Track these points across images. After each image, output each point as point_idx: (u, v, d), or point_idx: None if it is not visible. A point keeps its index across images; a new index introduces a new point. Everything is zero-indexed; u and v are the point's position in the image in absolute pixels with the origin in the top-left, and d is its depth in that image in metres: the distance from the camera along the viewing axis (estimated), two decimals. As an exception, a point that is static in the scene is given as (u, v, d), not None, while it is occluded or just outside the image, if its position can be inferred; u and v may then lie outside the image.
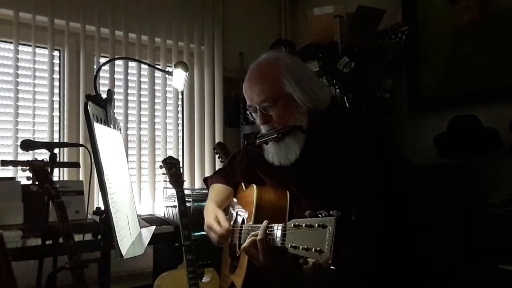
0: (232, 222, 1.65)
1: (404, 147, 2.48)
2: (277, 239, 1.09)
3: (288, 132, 1.33)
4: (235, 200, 1.72)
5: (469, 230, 1.93)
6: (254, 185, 1.51)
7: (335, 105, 1.46)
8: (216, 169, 3.00)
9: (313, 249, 0.91)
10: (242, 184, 1.69)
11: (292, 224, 1.01)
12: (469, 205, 1.98)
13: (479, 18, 2.36)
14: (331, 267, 0.88)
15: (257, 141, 1.43)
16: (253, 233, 1.21)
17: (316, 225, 0.92)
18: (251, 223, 1.44)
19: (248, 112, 1.45)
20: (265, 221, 1.17)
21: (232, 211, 1.72)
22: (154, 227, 1.88)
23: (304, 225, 0.97)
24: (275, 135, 1.34)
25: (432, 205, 1.70)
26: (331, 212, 0.92)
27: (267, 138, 1.37)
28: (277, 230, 1.11)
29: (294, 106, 1.34)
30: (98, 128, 1.21)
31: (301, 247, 0.95)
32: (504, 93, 2.21)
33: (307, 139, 1.34)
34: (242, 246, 1.23)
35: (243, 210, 1.59)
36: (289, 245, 1.00)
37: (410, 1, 2.65)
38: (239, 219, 1.61)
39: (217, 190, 1.73)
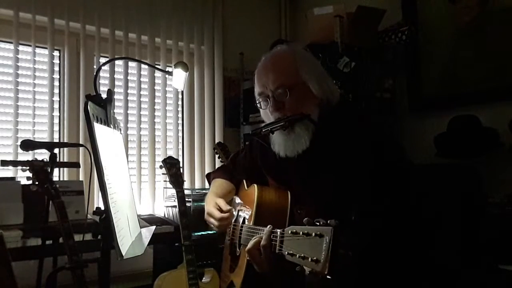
0: (233, 221, 1.65)
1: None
2: (276, 245, 1.08)
3: (297, 120, 1.31)
4: (237, 199, 1.72)
5: (469, 230, 1.93)
6: (255, 185, 1.50)
7: (344, 102, 1.46)
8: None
9: (310, 259, 0.91)
10: (244, 182, 1.68)
11: (290, 231, 1.01)
12: (469, 205, 1.98)
13: (479, 18, 2.36)
14: (328, 277, 0.88)
15: (263, 130, 1.38)
16: (257, 236, 1.19)
17: (314, 234, 0.92)
18: (251, 223, 1.44)
19: (257, 100, 1.43)
20: (269, 226, 1.15)
21: (233, 210, 1.71)
22: (154, 227, 1.88)
23: (301, 232, 0.96)
24: (282, 123, 1.31)
25: (432, 205, 1.70)
26: (328, 222, 0.92)
27: (273, 126, 1.34)
28: (277, 236, 1.10)
29: (308, 96, 1.34)
30: (98, 128, 1.21)
31: (298, 255, 0.95)
32: (504, 93, 2.21)
33: (316, 131, 1.32)
34: (247, 248, 1.21)
35: (245, 210, 1.59)
36: (286, 252, 1.00)
37: (410, 1, 2.66)
38: (240, 219, 1.60)
39: (219, 184, 1.72)
